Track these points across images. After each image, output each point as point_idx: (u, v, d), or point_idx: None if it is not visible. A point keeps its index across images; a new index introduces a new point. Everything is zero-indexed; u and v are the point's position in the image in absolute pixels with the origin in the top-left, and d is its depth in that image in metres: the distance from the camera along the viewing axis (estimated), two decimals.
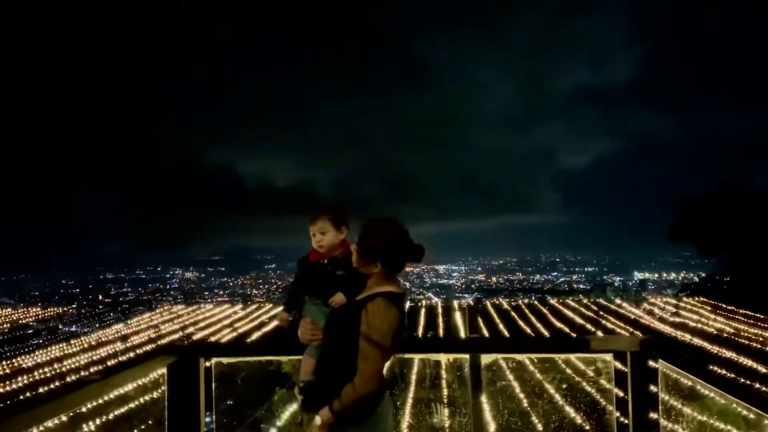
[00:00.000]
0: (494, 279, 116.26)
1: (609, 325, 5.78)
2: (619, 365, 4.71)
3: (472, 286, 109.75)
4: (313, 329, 3.09)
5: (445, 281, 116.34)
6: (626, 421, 4.59)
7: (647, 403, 4.50)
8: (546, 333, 5.55)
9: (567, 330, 5.66)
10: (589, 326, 5.72)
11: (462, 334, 5.72)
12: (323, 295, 3.10)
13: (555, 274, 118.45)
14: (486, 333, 5.55)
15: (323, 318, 3.03)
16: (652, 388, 4.51)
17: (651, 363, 4.54)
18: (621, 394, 4.67)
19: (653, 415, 4.49)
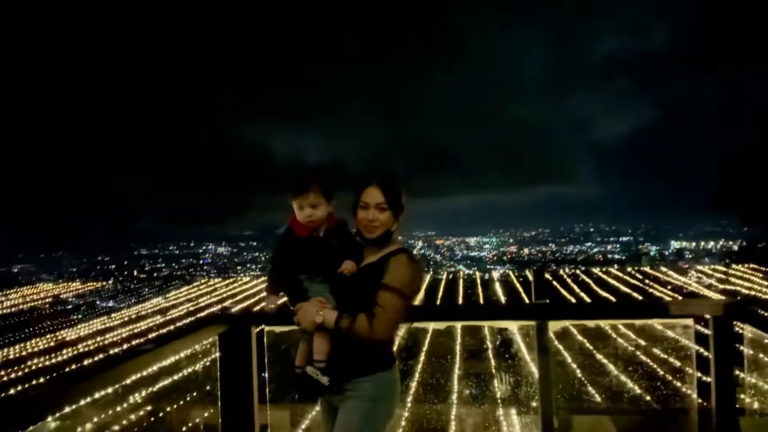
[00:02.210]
0: (526, 251, 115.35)
1: (662, 293, 5.40)
2: (700, 329, 4.38)
3: (504, 258, 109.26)
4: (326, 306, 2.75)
5: (475, 254, 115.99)
6: (708, 380, 4.28)
7: (730, 364, 4.17)
8: (612, 299, 5.21)
9: (636, 296, 5.32)
10: (655, 293, 5.36)
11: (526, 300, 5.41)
12: (329, 270, 2.74)
13: (589, 244, 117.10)
14: (552, 300, 5.24)
15: (331, 296, 2.75)
16: (738, 349, 4.18)
17: (736, 327, 4.20)
18: (705, 353, 4.34)
19: (739, 374, 4.18)
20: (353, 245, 2.81)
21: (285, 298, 2.89)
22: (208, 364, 4.52)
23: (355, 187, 2.89)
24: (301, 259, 2.75)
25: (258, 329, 4.63)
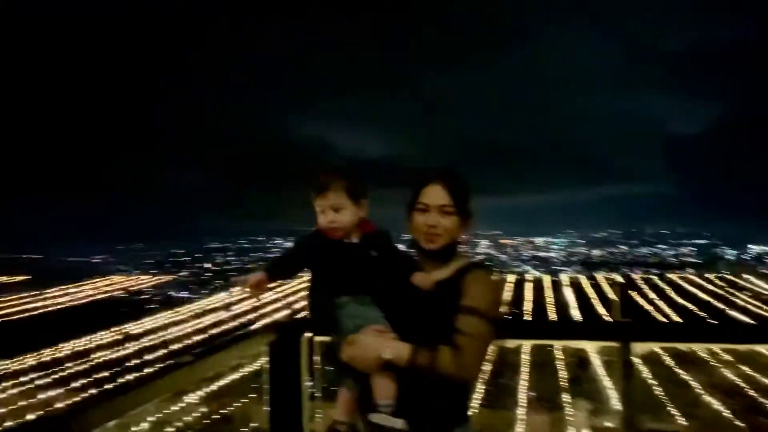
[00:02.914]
0: (596, 252, 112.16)
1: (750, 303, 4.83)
2: None
3: (573, 259, 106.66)
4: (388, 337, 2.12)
5: (543, 254, 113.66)
6: None
7: None
8: (692, 307, 4.70)
9: (717, 304, 4.79)
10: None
11: (610, 317, 4.97)
12: (378, 287, 2.19)
13: (662, 246, 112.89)
14: (635, 316, 4.79)
15: (386, 322, 2.15)
16: None
17: None
18: None
19: None
20: (403, 259, 2.26)
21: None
22: (258, 367, 4.36)
23: (411, 185, 2.35)
24: (337, 270, 2.18)
25: (308, 338, 4.43)
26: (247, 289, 2.16)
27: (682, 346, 6.41)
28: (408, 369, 2.04)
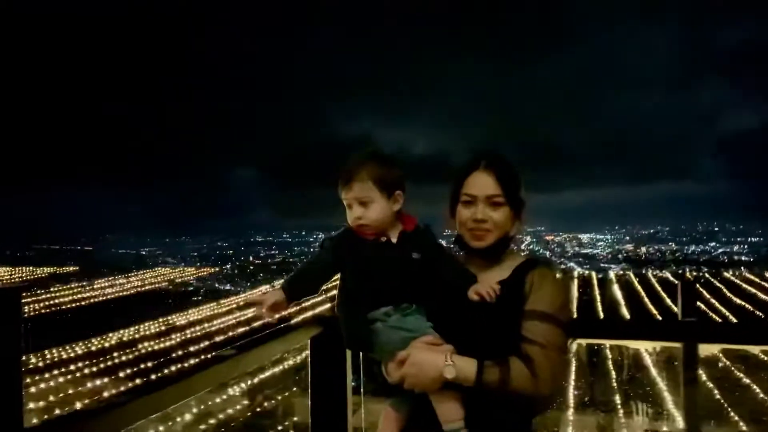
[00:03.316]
0: (644, 249, 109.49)
1: None
2: None
3: (619, 256, 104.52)
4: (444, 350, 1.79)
5: (589, 251, 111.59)
6: None
7: None
8: (749, 307, 4.33)
9: None
10: None
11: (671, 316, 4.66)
12: (425, 293, 1.87)
13: (713, 244, 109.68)
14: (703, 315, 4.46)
15: (433, 333, 1.84)
16: None
17: None
18: None
19: None
20: (450, 261, 1.93)
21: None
22: (301, 360, 4.24)
23: (454, 174, 2.02)
24: (374, 275, 1.84)
25: None
26: (264, 311, 1.80)
27: (746, 349, 6.00)
28: (474, 389, 1.72)
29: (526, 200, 1.97)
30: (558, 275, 1.92)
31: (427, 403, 1.79)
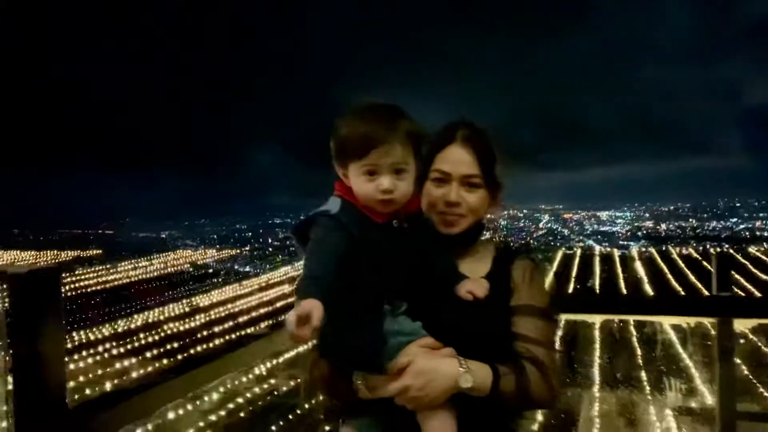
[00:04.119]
0: (663, 226, 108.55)
1: None
2: None
3: (638, 233, 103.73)
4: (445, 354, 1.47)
5: (608, 228, 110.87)
6: None
7: None
8: None
9: None
10: None
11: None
12: (423, 289, 1.54)
13: (735, 220, 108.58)
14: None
15: (425, 334, 1.49)
16: None
17: None
18: None
19: None
20: (443, 252, 1.62)
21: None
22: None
23: (424, 145, 1.56)
24: (386, 266, 1.44)
25: None
26: (301, 333, 1.18)
27: None
28: (488, 398, 1.43)
29: (503, 181, 1.68)
30: (541, 270, 1.73)
31: (405, 424, 1.43)
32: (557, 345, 1.65)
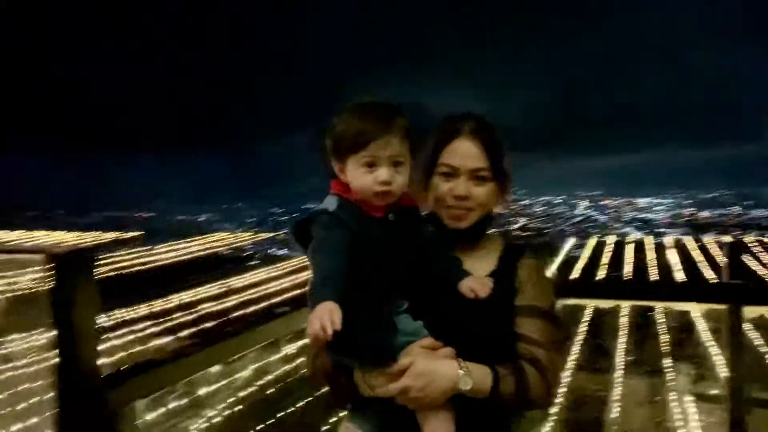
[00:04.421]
0: (705, 213, 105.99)
1: None
2: None
3: (679, 221, 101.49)
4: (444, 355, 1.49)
5: (646, 215, 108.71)
6: None
7: None
8: None
9: None
10: None
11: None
12: (424, 286, 1.55)
13: None
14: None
15: (427, 334, 1.51)
16: None
17: None
18: None
19: None
20: (442, 247, 1.62)
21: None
22: None
23: (428, 138, 1.68)
24: (385, 262, 1.46)
25: None
26: (323, 336, 1.24)
27: None
28: (488, 400, 1.45)
29: (510, 172, 1.69)
30: (545, 264, 1.72)
31: (405, 421, 1.46)
32: (560, 346, 1.64)
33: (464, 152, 1.62)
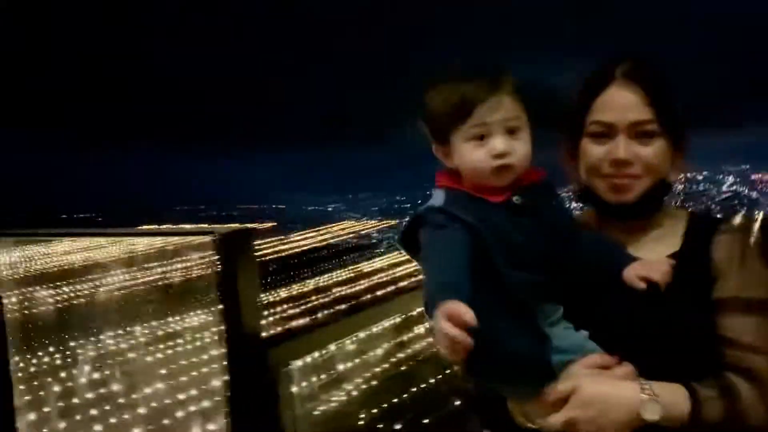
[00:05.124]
0: None
1: None
2: None
3: None
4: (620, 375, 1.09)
5: None
6: None
7: None
8: None
9: None
10: None
11: None
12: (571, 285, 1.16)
13: None
14: None
15: (597, 348, 1.13)
16: None
17: None
18: None
19: None
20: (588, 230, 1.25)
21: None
22: None
23: (572, 94, 1.26)
24: (518, 257, 1.08)
25: None
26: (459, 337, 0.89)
27: None
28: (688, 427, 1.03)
29: (687, 123, 1.23)
30: (756, 240, 1.19)
31: None
32: None
33: (620, 103, 1.17)
